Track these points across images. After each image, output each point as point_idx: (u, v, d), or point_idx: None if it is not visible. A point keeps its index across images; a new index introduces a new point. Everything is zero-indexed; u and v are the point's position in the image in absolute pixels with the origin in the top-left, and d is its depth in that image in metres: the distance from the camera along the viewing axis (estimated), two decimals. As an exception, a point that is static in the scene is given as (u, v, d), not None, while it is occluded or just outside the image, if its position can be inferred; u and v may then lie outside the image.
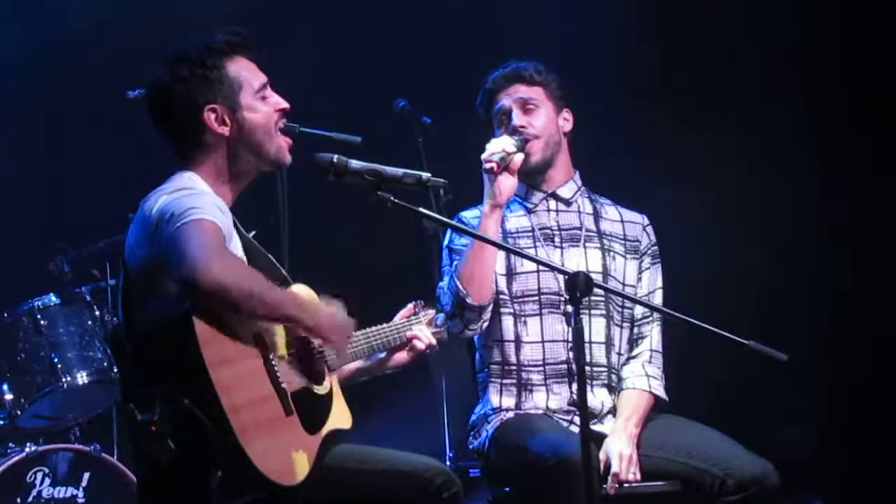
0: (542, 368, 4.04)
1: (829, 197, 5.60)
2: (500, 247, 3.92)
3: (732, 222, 5.56)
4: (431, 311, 3.78)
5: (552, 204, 4.17)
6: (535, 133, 4.08)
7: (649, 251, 4.21)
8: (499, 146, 3.97)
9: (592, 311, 4.04)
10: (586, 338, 3.94)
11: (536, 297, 4.05)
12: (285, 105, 3.38)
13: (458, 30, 5.71)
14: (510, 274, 4.07)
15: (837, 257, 5.57)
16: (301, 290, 3.37)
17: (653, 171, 5.38)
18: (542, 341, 4.04)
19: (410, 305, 3.76)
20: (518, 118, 4.09)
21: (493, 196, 3.95)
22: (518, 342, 4.04)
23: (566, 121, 4.18)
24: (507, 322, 4.05)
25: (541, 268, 4.04)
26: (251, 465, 2.94)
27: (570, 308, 3.94)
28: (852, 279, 5.53)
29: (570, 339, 3.99)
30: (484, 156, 3.96)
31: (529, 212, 4.17)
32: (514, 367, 4.05)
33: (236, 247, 3.24)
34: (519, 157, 4.00)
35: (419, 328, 3.68)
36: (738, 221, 5.57)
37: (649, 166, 5.42)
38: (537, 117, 4.11)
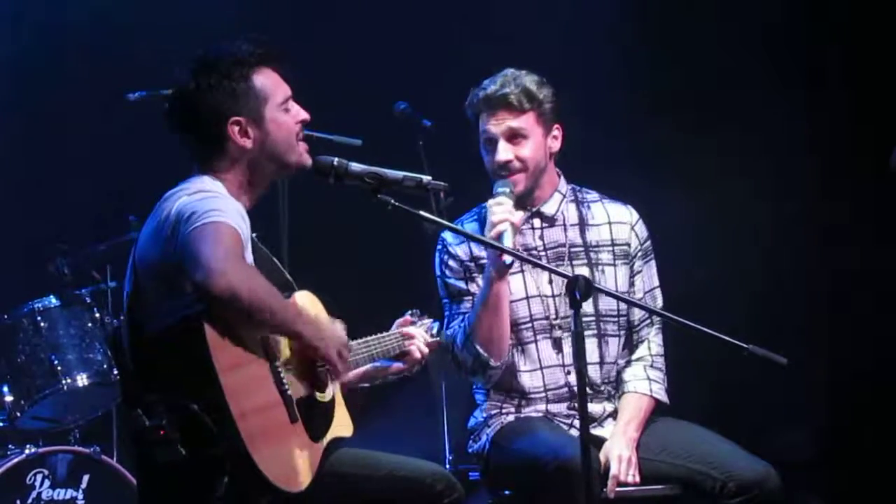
0: (543, 394, 4.00)
1: (829, 197, 5.60)
2: (508, 252, 3.78)
3: (731, 223, 5.56)
4: (428, 320, 3.79)
5: (536, 222, 4.06)
6: (522, 166, 3.95)
7: (640, 251, 4.11)
8: (502, 215, 3.79)
9: (585, 332, 3.90)
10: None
11: (529, 324, 4.00)
12: (306, 116, 3.37)
13: (458, 32, 5.70)
14: None
15: (837, 257, 5.57)
16: (306, 298, 3.37)
17: (651, 173, 5.37)
18: (541, 367, 4.00)
19: (407, 315, 3.76)
20: (503, 152, 3.92)
21: (499, 269, 3.82)
22: (516, 370, 3.99)
23: (555, 139, 4.02)
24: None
25: (529, 294, 3.99)
26: (258, 471, 2.95)
27: (558, 333, 3.96)
28: (852, 279, 5.53)
29: (565, 363, 3.97)
30: (492, 234, 3.78)
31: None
32: (515, 392, 4.01)
33: (248, 252, 3.23)
34: (520, 215, 3.87)
35: (416, 336, 3.70)
36: (737, 222, 5.57)
37: (647, 168, 5.42)
38: (524, 148, 3.94)
